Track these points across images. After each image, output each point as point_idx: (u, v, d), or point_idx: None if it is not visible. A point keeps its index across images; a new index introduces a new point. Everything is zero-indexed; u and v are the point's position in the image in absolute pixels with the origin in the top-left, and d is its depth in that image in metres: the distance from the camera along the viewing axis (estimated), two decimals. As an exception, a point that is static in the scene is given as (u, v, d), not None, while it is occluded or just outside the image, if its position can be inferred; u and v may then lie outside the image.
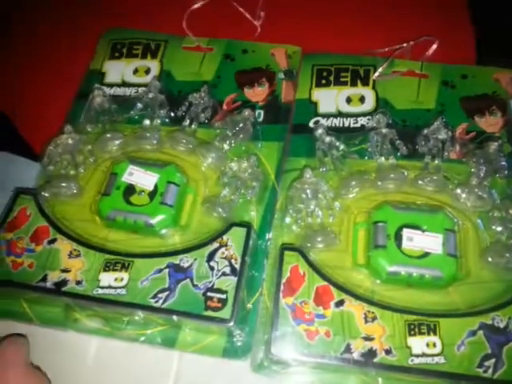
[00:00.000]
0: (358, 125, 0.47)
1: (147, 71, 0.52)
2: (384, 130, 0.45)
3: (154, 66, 0.53)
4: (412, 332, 0.35)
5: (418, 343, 0.34)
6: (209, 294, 0.37)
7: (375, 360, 0.34)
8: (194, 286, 0.37)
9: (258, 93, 0.50)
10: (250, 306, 0.39)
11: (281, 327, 0.35)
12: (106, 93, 0.50)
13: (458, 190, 0.41)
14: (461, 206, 0.41)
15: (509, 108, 0.47)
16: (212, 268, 0.38)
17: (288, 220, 0.41)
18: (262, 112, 0.49)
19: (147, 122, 0.47)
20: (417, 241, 0.37)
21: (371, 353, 0.34)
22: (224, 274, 0.38)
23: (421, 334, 0.34)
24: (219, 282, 0.37)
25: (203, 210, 0.42)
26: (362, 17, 0.57)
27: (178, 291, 0.37)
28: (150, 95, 0.48)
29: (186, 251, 0.39)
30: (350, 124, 0.48)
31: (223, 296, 0.37)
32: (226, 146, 0.45)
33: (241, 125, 0.46)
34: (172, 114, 0.48)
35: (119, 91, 0.51)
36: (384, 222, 0.39)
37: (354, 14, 0.57)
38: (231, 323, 0.36)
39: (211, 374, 0.38)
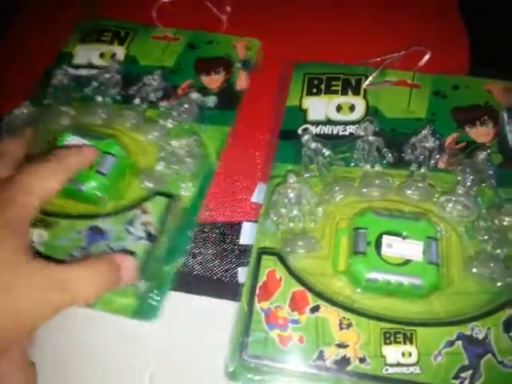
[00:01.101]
0: (347, 133, 0.47)
1: (113, 56, 0.56)
2: (371, 138, 0.44)
3: (120, 51, 0.56)
4: (387, 340, 0.34)
5: (393, 352, 0.33)
6: None
7: (348, 368, 0.33)
8: (109, 247, 0.39)
9: (214, 80, 0.53)
10: (168, 269, 0.41)
11: (254, 332, 0.35)
12: (69, 71, 0.54)
13: (443, 199, 0.40)
14: (446, 215, 0.40)
15: (501, 119, 0.46)
16: (130, 232, 0.40)
17: (269, 225, 0.41)
18: (214, 98, 0.51)
19: (99, 98, 0.50)
20: (396, 248, 0.36)
21: (345, 360, 0.33)
22: (140, 238, 0.40)
23: (396, 342, 0.33)
24: (134, 246, 0.39)
25: (137, 182, 0.44)
26: (353, 26, 0.57)
27: (91, 251, 0.40)
28: (107, 75, 0.52)
29: (107, 216, 0.41)
30: (338, 132, 0.47)
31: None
32: (169, 125, 0.48)
33: (186, 106, 0.49)
34: (123, 93, 0.51)
35: (83, 72, 0.55)
36: (365, 229, 0.38)
37: (347, 23, 0.57)
38: (137, 284, 0.38)
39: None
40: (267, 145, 0.49)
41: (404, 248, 0.36)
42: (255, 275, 0.37)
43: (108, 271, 0.33)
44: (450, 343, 0.33)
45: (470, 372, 0.32)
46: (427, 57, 0.50)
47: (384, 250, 0.36)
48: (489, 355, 0.32)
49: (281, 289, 0.36)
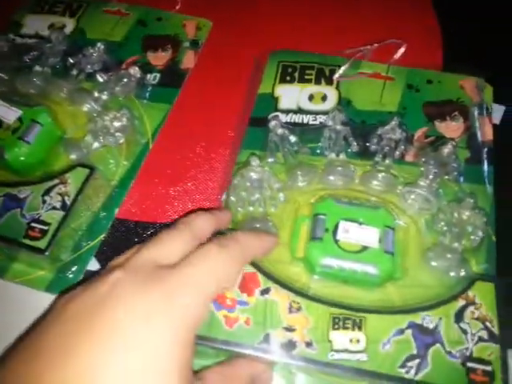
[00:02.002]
0: (317, 122, 0.47)
1: (62, 27, 0.56)
2: (338, 127, 0.44)
3: (70, 23, 0.56)
4: (336, 326, 0.33)
5: (340, 338, 0.32)
6: (33, 224, 0.38)
7: (294, 352, 0.32)
8: (22, 215, 0.39)
9: (160, 57, 0.53)
10: (88, 244, 0.41)
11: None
12: (12, 40, 0.54)
13: (405, 190, 0.40)
14: (407, 206, 0.40)
15: (471, 115, 0.46)
16: (45, 202, 0.39)
17: (229, 208, 0.40)
18: (158, 75, 0.51)
19: (37, 67, 0.49)
20: (352, 233, 0.36)
21: (291, 344, 0.32)
22: (54, 208, 0.39)
23: (345, 328, 0.33)
24: (47, 215, 0.39)
25: (62, 151, 0.44)
26: (328, 18, 0.57)
27: (4, 218, 0.39)
28: (48, 45, 0.51)
29: (25, 184, 0.41)
30: (308, 121, 0.47)
31: (45, 227, 0.38)
32: (104, 97, 0.48)
33: (125, 80, 0.49)
34: (61, 64, 0.51)
35: (28, 41, 0.54)
36: (324, 215, 0.37)
37: (323, 15, 0.57)
38: (46, 253, 0.37)
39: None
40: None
41: (360, 233, 0.36)
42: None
43: None
44: (400, 331, 0.32)
45: (417, 361, 0.31)
46: (402, 50, 0.50)
47: (340, 235, 0.36)
48: (437, 345, 0.32)
49: (232, 270, 0.35)
